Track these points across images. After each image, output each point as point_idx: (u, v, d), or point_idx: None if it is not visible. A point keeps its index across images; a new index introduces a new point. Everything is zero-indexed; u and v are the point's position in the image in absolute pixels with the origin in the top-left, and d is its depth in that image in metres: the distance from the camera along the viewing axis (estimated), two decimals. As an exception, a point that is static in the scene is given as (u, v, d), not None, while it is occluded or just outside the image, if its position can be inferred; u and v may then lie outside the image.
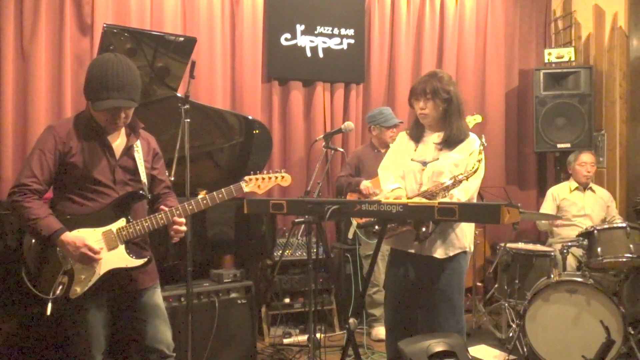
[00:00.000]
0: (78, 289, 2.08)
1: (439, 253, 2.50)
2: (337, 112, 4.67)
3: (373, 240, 3.86)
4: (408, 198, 2.49)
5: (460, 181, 2.38)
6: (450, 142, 2.52)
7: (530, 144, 5.08)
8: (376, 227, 2.42)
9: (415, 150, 2.60)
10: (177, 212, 2.23)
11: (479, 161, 2.40)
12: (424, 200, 2.39)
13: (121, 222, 2.16)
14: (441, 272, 2.51)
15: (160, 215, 2.20)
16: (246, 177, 2.44)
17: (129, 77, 2.10)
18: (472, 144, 2.52)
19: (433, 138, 2.58)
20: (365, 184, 3.86)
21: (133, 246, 2.21)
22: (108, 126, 2.16)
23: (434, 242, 2.50)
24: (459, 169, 2.47)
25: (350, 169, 4.08)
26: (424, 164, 2.54)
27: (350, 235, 4.08)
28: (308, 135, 4.58)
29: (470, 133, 2.58)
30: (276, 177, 2.50)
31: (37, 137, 2.19)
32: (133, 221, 2.17)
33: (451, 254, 2.51)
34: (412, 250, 2.55)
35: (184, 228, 2.25)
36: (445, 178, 2.44)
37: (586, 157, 4.27)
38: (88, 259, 2.06)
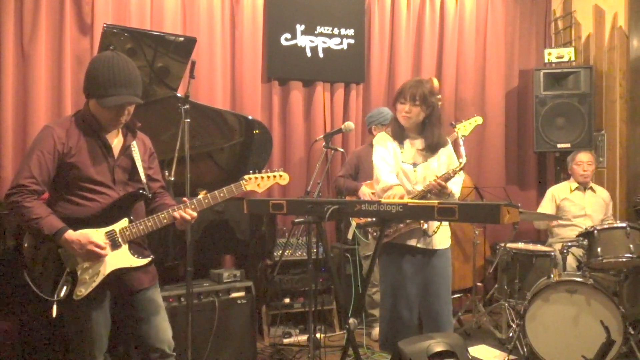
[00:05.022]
0: (83, 290, 2.08)
1: (442, 244, 2.76)
2: (337, 112, 4.67)
3: (372, 241, 3.86)
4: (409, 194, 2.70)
5: (455, 173, 2.65)
6: (432, 148, 2.77)
7: (530, 144, 5.07)
8: (375, 233, 2.72)
9: (402, 152, 2.78)
10: (181, 210, 2.23)
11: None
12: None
13: (124, 222, 2.16)
14: (442, 262, 2.76)
15: (163, 215, 2.20)
16: (245, 176, 2.46)
17: (134, 73, 2.13)
18: (449, 145, 2.85)
19: (417, 144, 2.79)
20: (364, 191, 3.85)
21: (134, 246, 2.21)
22: (111, 124, 2.15)
23: (438, 235, 2.74)
24: (446, 167, 2.75)
25: (350, 168, 4.08)
26: (415, 165, 2.74)
27: (349, 236, 4.08)
28: (308, 135, 4.58)
29: (446, 138, 2.86)
30: (275, 176, 2.54)
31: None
32: (135, 221, 2.17)
33: (447, 245, 2.79)
34: (414, 244, 2.71)
35: (187, 216, 2.23)
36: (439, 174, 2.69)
37: (583, 157, 4.26)
38: (95, 256, 2.05)
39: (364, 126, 4.77)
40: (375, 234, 2.75)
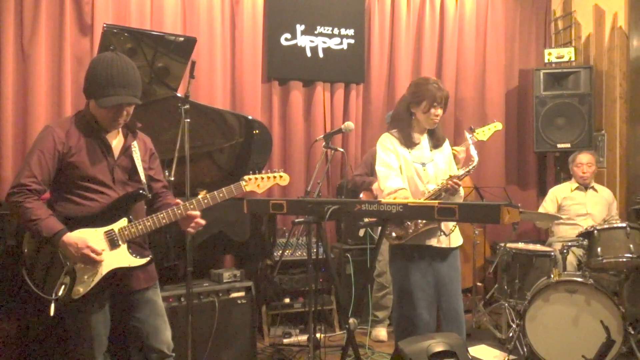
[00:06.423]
0: (81, 289, 2.08)
1: (457, 242, 2.82)
2: (337, 112, 4.67)
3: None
4: (427, 192, 2.74)
5: (469, 172, 2.75)
6: (439, 143, 2.85)
7: (530, 144, 5.07)
8: (393, 234, 2.71)
9: (410, 153, 2.79)
10: (179, 211, 2.23)
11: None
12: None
13: (123, 222, 2.16)
14: (457, 259, 2.82)
15: (162, 215, 2.20)
16: (245, 177, 2.46)
17: (133, 75, 2.13)
18: (447, 141, 2.93)
19: (422, 143, 2.83)
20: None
21: (134, 245, 2.21)
22: (110, 124, 2.16)
23: (453, 233, 2.79)
24: (453, 164, 2.87)
25: (366, 167, 4.07)
26: (424, 165, 2.77)
27: (361, 234, 4.06)
28: (308, 135, 4.58)
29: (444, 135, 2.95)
30: (275, 177, 2.54)
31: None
32: (135, 221, 2.18)
33: (461, 242, 2.85)
34: (434, 243, 2.73)
35: (202, 221, 2.31)
36: (449, 172, 2.78)
37: (583, 158, 4.25)
38: (90, 260, 2.06)
39: (364, 126, 4.78)
40: (392, 234, 2.73)
